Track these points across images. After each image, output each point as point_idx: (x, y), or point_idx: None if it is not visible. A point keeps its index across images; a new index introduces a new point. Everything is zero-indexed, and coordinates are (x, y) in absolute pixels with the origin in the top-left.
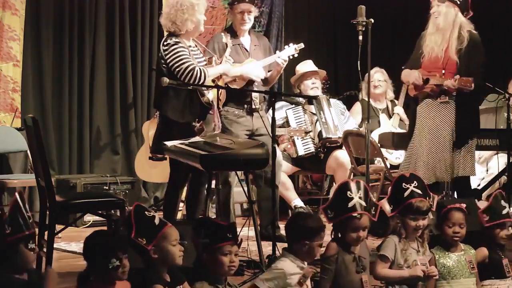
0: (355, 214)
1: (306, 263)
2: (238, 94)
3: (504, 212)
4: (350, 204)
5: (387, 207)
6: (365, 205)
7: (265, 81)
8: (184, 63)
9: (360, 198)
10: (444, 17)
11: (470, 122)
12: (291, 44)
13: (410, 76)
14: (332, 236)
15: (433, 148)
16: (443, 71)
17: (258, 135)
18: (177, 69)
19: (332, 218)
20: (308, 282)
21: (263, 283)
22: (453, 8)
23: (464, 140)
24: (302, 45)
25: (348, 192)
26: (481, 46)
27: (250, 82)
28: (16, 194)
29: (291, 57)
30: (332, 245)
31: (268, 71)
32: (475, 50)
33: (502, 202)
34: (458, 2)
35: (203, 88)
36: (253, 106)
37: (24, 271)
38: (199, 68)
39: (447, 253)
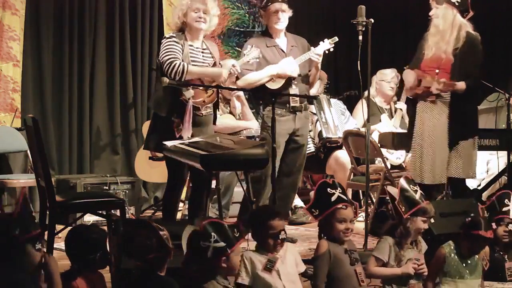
0: (339, 206)
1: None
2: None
3: (505, 209)
4: (333, 198)
5: (401, 207)
6: (347, 199)
7: (307, 80)
8: (167, 55)
9: (340, 193)
10: (443, 18)
11: (463, 123)
12: (325, 40)
13: (407, 79)
14: (322, 235)
15: (430, 149)
16: (437, 71)
17: (298, 135)
18: (161, 61)
19: (318, 216)
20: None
21: (240, 279)
22: (451, 10)
23: (455, 141)
24: (336, 39)
25: (328, 189)
26: (478, 46)
27: (289, 80)
28: (23, 193)
29: (326, 52)
30: (322, 243)
31: (309, 70)
32: (471, 50)
33: (506, 201)
34: (456, 3)
35: (201, 87)
36: (292, 105)
37: (30, 272)
38: (180, 62)
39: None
